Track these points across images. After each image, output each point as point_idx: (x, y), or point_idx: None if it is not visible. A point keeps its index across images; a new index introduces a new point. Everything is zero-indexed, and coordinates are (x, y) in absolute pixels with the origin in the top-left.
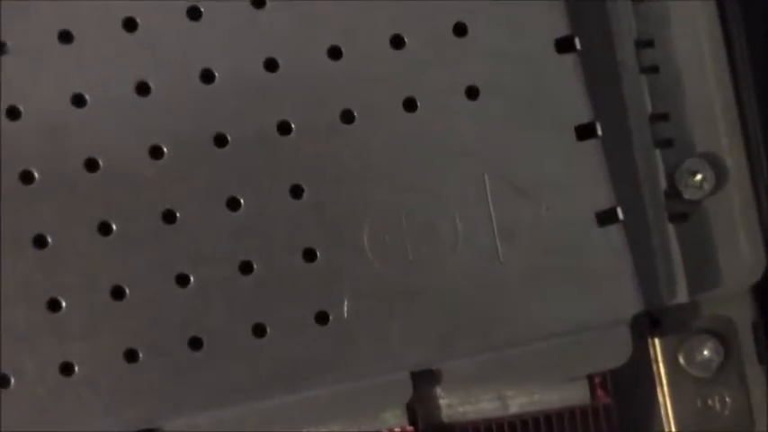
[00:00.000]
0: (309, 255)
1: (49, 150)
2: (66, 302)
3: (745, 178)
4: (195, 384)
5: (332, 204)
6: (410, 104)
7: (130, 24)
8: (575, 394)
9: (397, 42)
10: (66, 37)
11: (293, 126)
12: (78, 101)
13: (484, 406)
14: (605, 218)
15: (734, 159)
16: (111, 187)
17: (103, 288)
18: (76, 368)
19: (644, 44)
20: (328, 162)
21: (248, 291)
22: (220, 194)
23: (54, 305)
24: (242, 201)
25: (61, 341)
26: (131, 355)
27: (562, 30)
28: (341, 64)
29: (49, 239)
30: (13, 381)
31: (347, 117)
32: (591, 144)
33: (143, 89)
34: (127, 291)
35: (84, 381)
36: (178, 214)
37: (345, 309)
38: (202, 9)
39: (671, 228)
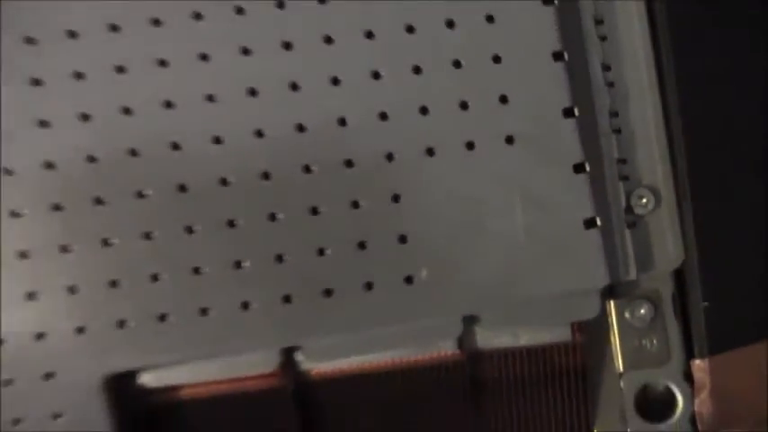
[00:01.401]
0: (402, 239)
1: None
2: (249, 263)
3: (673, 201)
4: (327, 318)
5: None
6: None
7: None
8: (562, 334)
9: (464, 105)
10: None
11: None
12: (217, 140)
13: (504, 339)
14: (589, 223)
15: (666, 189)
16: (238, 196)
17: (270, 256)
18: (252, 306)
19: (613, 114)
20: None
21: (364, 262)
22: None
23: (238, 264)
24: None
25: (241, 288)
26: (287, 299)
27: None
28: (427, 119)
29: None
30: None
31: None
32: (582, 176)
33: (260, 134)
34: (287, 257)
35: (257, 314)
36: (283, 215)
37: (423, 275)
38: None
39: (627, 232)
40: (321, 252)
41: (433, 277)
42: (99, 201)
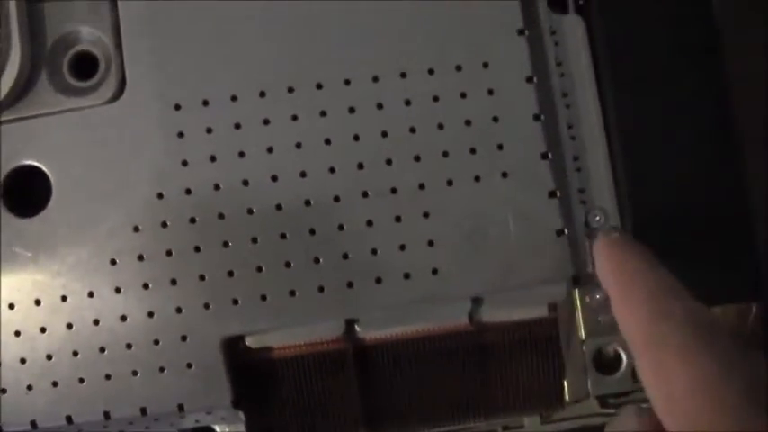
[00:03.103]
0: (430, 243)
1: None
2: (322, 260)
3: (617, 218)
4: (379, 298)
5: None
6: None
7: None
8: (541, 311)
9: (473, 150)
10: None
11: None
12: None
13: (501, 314)
14: (559, 233)
15: (612, 210)
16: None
17: (338, 255)
18: (325, 289)
19: (575, 158)
20: None
21: (404, 260)
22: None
23: (317, 260)
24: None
25: (317, 277)
26: (350, 285)
27: (544, 149)
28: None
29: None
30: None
31: (449, 183)
32: (554, 200)
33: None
34: (352, 256)
35: (329, 295)
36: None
37: (445, 268)
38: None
39: (586, 239)
40: (374, 252)
41: (451, 270)
42: (221, 216)
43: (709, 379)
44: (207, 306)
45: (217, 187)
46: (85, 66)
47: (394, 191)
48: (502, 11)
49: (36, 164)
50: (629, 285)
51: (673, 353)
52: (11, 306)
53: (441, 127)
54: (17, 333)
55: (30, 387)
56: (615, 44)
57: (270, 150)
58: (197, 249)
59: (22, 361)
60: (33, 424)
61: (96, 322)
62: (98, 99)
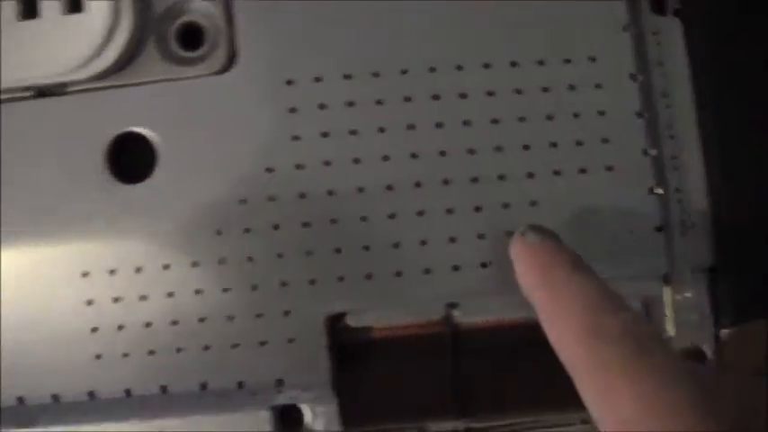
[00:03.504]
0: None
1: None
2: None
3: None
4: (483, 283)
5: None
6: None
7: None
8: (635, 305)
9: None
10: None
11: None
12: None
13: None
14: (659, 229)
15: (705, 210)
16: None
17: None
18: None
19: (673, 157)
20: None
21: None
22: None
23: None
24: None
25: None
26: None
27: (646, 146)
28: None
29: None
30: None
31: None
32: (655, 197)
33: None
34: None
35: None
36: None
37: None
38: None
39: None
40: (482, 237)
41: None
42: (330, 192)
43: (659, 398)
44: (312, 282)
45: (327, 164)
46: (191, 36)
47: (502, 177)
48: (608, 8)
49: (142, 131)
50: (558, 298)
51: (618, 374)
52: (111, 272)
53: (550, 118)
54: (116, 299)
55: (126, 354)
56: (709, 47)
57: (381, 130)
58: (305, 225)
59: (120, 328)
60: (128, 392)
61: (198, 292)
62: (206, 70)
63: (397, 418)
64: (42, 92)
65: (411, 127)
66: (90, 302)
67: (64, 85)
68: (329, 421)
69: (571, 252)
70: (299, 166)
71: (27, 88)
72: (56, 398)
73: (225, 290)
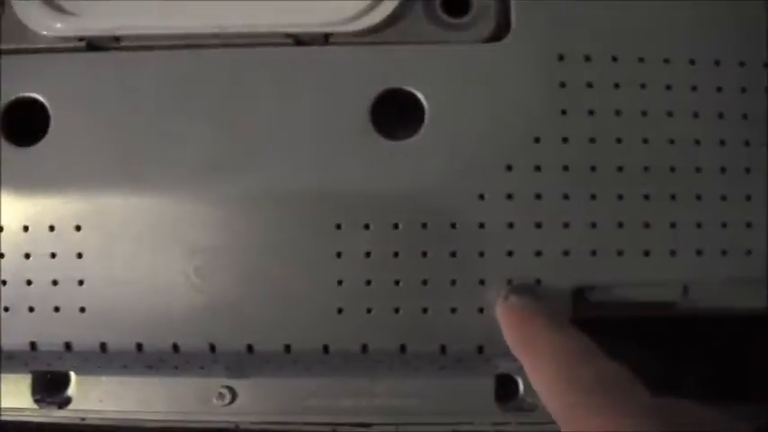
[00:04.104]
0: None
1: None
2: (653, 224)
3: None
4: None
5: None
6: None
7: None
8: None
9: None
10: None
11: None
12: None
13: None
14: None
15: None
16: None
17: None
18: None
19: None
20: None
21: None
22: None
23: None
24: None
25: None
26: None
27: None
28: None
29: None
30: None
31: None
32: None
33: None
34: None
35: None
36: None
37: None
38: None
39: None
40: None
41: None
42: (593, 168)
43: None
44: (566, 253)
45: (592, 141)
46: (455, 3)
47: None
48: None
49: (411, 89)
50: (536, 355)
51: (594, 420)
52: (366, 226)
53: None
54: (367, 254)
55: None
56: None
57: (644, 114)
58: (565, 197)
59: (367, 282)
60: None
61: (453, 255)
62: (472, 37)
63: None
64: (300, 41)
65: (670, 114)
66: (339, 255)
67: (326, 35)
68: None
69: (549, 310)
70: (564, 140)
71: (287, 35)
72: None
73: (481, 254)
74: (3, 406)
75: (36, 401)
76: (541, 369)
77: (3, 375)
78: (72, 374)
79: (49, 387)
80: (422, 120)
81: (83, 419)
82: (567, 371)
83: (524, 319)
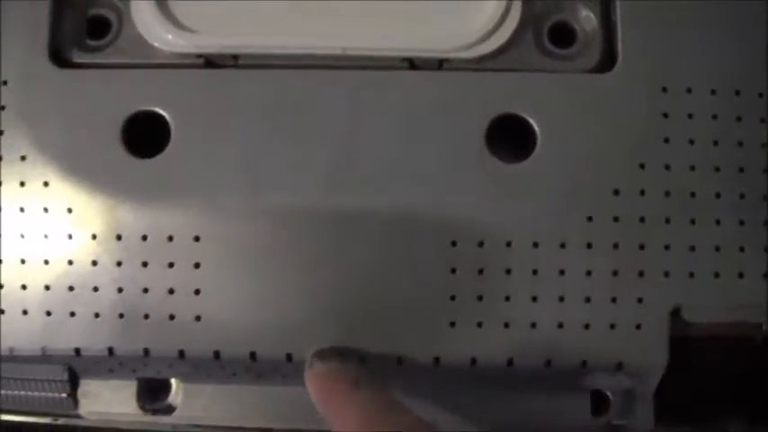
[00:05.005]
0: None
1: None
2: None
3: None
4: None
5: None
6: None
7: None
8: None
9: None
10: None
11: None
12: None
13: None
14: None
15: None
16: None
17: None
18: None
19: None
20: None
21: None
22: None
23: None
24: None
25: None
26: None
27: None
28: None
29: None
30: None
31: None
32: None
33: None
34: None
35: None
36: None
37: None
38: None
39: None
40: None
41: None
42: (693, 194)
43: None
44: (666, 274)
45: (692, 168)
46: (561, 34)
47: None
48: None
49: (525, 115)
50: (339, 414)
51: None
52: (481, 244)
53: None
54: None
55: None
56: None
57: (740, 144)
58: (667, 221)
59: (479, 298)
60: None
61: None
62: (578, 67)
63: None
64: (415, 65)
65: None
66: (454, 270)
67: (441, 61)
68: (642, 416)
69: (352, 371)
70: (667, 167)
71: (403, 59)
72: None
73: (588, 273)
74: (111, 411)
75: (140, 408)
76: (345, 425)
77: (107, 382)
78: (173, 381)
79: (150, 394)
80: (526, 143)
81: (196, 426)
82: (367, 426)
83: (326, 384)
